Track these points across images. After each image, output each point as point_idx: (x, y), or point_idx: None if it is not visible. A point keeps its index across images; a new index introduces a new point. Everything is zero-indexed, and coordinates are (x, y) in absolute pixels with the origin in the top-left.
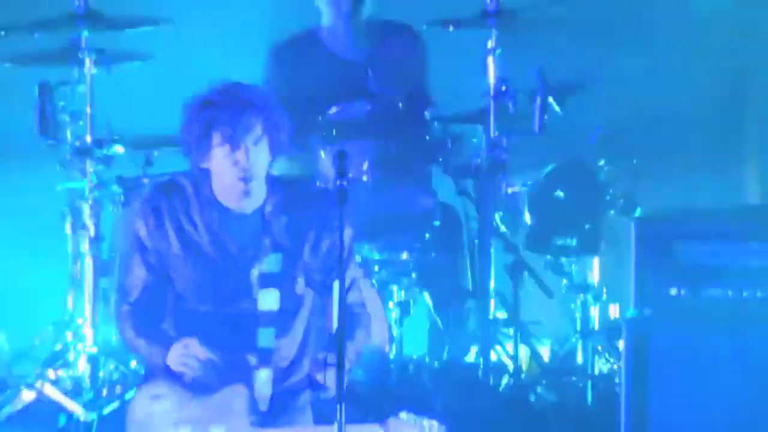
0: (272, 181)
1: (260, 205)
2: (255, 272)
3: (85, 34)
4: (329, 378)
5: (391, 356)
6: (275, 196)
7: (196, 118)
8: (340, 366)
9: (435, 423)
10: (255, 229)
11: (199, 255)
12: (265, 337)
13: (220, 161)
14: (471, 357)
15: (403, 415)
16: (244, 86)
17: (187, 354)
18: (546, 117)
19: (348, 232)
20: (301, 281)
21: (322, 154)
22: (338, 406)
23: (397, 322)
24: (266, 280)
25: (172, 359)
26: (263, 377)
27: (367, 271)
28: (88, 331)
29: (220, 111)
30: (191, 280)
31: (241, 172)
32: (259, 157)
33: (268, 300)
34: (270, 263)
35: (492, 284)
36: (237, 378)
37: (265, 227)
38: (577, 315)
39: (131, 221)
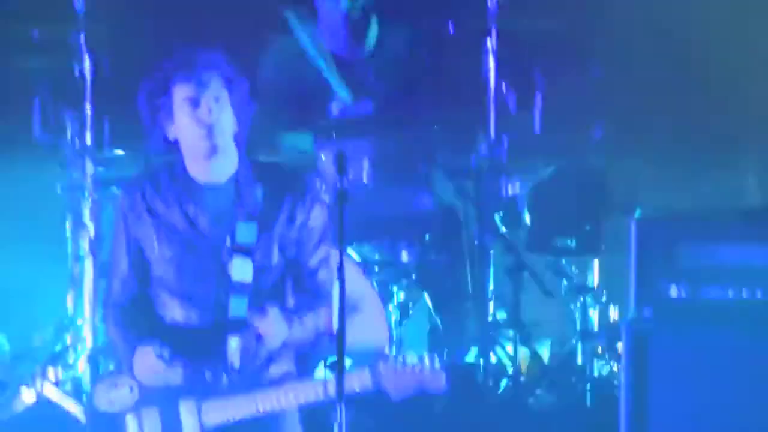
0: (245, 153)
1: (233, 175)
2: (228, 242)
3: (85, 34)
4: (267, 327)
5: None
6: (249, 166)
7: (154, 84)
8: (340, 366)
9: (429, 361)
10: (228, 199)
11: (173, 233)
12: (237, 306)
13: (183, 122)
14: (471, 358)
15: (393, 360)
16: (198, 49)
17: (142, 363)
18: (546, 117)
19: (322, 213)
20: (275, 251)
21: (322, 154)
22: (338, 407)
23: (396, 323)
24: (240, 250)
25: (134, 366)
26: (233, 346)
27: (367, 272)
28: (87, 332)
29: (177, 72)
30: (167, 260)
31: (203, 129)
32: (222, 115)
33: (242, 270)
34: (243, 233)
35: (491, 285)
36: (211, 351)
37: (239, 196)
38: (577, 316)
39: (114, 215)
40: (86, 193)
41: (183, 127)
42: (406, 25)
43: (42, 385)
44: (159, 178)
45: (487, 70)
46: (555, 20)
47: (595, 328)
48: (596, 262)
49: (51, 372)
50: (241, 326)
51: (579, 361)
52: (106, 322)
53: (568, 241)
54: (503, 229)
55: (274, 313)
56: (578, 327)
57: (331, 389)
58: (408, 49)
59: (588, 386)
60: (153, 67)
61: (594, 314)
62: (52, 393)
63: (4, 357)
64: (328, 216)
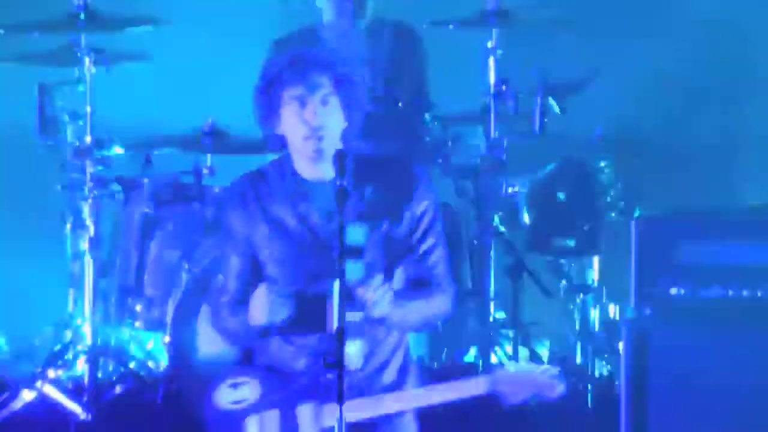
0: (353, 151)
1: None
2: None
3: (84, 34)
4: (369, 294)
5: None
6: (358, 164)
7: (263, 80)
8: (340, 366)
9: (547, 368)
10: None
11: (284, 232)
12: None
13: (290, 122)
14: (470, 358)
15: (510, 366)
16: (310, 49)
17: (257, 300)
18: (546, 117)
19: (430, 206)
20: (385, 249)
21: None
22: (338, 407)
23: None
24: (350, 252)
25: (251, 305)
26: (352, 350)
27: None
28: (87, 331)
29: (286, 71)
30: (279, 260)
31: (309, 131)
32: (329, 116)
33: (353, 271)
34: (353, 234)
35: (491, 285)
36: (324, 351)
37: (347, 195)
38: (576, 316)
39: (224, 213)
40: (86, 193)
41: (290, 125)
42: (409, 28)
43: (42, 385)
44: (268, 176)
45: (486, 70)
46: (555, 20)
47: (595, 328)
48: (596, 262)
49: (51, 371)
50: (354, 327)
51: (579, 360)
52: (217, 319)
53: (568, 241)
54: (502, 228)
55: (377, 280)
56: (578, 327)
57: (452, 393)
58: (409, 51)
59: (588, 386)
60: (265, 64)
61: (594, 314)
62: (51, 392)
63: (4, 357)
64: (436, 207)
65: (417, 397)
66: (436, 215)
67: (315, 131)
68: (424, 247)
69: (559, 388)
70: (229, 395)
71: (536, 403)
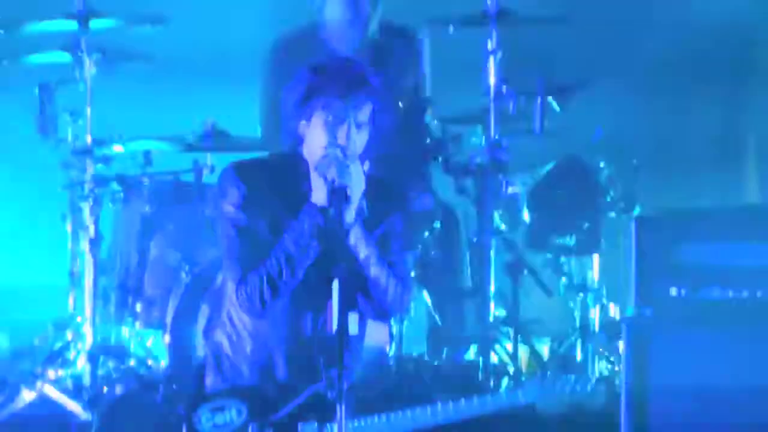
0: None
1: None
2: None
3: (84, 34)
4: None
5: (390, 354)
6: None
7: (304, 80)
8: (339, 366)
9: (583, 376)
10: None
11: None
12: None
13: (317, 129)
14: (470, 356)
15: (547, 376)
16: (360, 63)
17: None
18: (546, 117)
19: (404, 221)
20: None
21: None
22: (338, 406)
23: (396, 321)
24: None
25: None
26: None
27: None
28: (87, 331)
29: (332, 81)
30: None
31: (331, 145)
32: (356, 139)
33: (352, 323)
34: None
35: (491, 283)
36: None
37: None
38: (576, 314)
39: (218, 195)
40: (86, 193)
41: (315, 132)
42: (408, 29)
43: (42, 384)
44: (273, 177)
45: (486, 70)
46: (555, 20)
47: (595, 327)
48: (596, 261)
49: (51, 371)
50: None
51: (579, 359)
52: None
53: (568, 240)
54: (503, 227)
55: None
56: (578, 325)
57: (493, 404)
58: (410, 53)
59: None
60: (311, 62)
61: (593, 312)
62: (52, 392)
63: (4, 357)
64: (406, 223)
65: (458, 408)
66: (407, 233)
67: (340, 150)
68: (397, 258)
69: (601, 398)
70: (213, 419)
71: (575, 410)
